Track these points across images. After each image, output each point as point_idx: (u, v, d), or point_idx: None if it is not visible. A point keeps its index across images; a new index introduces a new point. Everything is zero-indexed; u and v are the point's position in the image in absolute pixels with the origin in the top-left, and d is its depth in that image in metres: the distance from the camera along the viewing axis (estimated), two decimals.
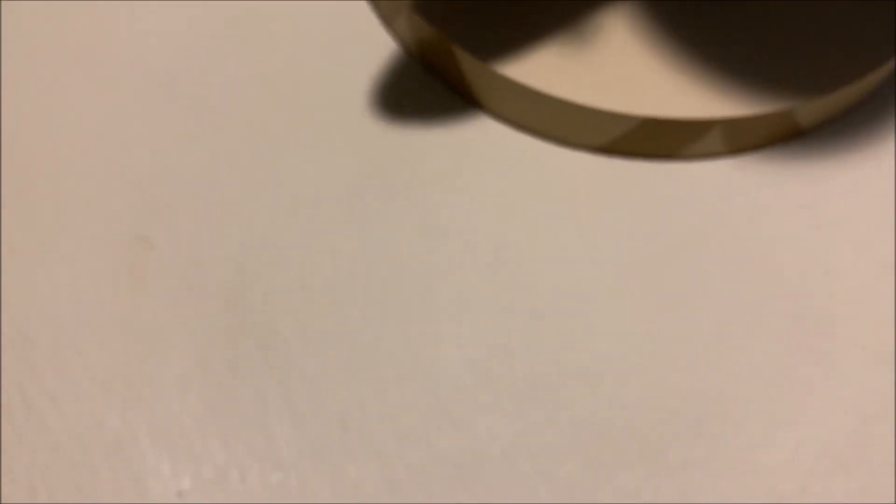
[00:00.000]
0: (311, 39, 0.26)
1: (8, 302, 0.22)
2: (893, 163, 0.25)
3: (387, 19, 0.26)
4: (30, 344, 0.21)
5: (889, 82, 0.25)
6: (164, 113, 0.25)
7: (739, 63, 0.23)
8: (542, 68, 0.23)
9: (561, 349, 0.22)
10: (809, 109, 0.24)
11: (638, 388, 0.22)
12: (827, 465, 0.21)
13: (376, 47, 0.26)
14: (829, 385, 0.22)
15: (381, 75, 0.25)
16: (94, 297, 0.22)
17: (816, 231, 0.24)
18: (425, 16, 0.24)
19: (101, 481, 0.20)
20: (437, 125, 0.25)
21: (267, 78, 0.25)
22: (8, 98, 0.25)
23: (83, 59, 0.25)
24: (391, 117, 0.25)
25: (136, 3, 0.26)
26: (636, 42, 0.24)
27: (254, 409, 0.21)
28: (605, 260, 0.23)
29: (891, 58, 0.24)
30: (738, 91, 0.23)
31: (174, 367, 0.21)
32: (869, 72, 0.24)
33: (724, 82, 0.23)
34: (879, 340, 0.22)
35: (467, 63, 0.24)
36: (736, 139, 0.24)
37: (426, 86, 0.25)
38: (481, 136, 0.25)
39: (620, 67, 0.23)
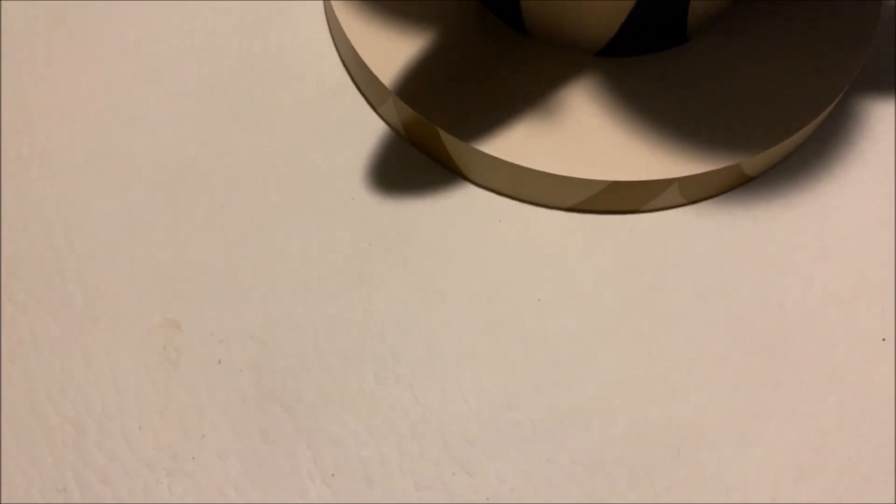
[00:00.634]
0: (307, 126, 0.28)
1: (54, 392, 0.24)
2: (832, 201, 0.28)
3: (375, 104, 0.29)
4: (79, 430, 0.24)
5: (822, 129, 0.29)
6: (180, 205, 0.27)
7: (692, 127, 0.26)
8: (516, 143, 0.26)
9: (554, 395, 0.25)
10: (755, 161, 0.27)
11: (623, 424, 0.24)
12: (792, 475, 0.24)
13: (367, 129, 0.29)
14: (788, 406, 0.25)
15: (373, 154, 0.28)
16: (133, 381, 0.25)
17: (769, 268, 0.27)
18: (409, 102, 0.27)
19: None
20: (426, 196, 0.28)
21: (270, 165, 0.28)
22: (37, 199, 0.27)
23: (103, 160, 0.28)
24: (385, 191, 0.28)
25: (145, 102, 0.29)
26: (597, 114, 0.27)
27: (288, 471, 0.23)
28: (584, 308, 0.26)
29: (822, 110, 0.27)
30: (692, 151, 0.26)
31: (212, 438, 0.24)
32: (804, 125, 0.27)
33: (680, 145, 0.26)
34: (830, 363, 0.26)
35: (449, 141, 0.27)
36: (692, 192, 0.27)
37: (414, 161, 0.28)
38: (467, 203, 0.28)
39: (585, 137, 0.26)
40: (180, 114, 0.29)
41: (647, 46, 0.27)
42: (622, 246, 0.27)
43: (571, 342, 0.26)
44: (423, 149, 0.28)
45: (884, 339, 0.26)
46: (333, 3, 0.28)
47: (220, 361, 0.25)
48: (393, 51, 0.28)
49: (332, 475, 0.23)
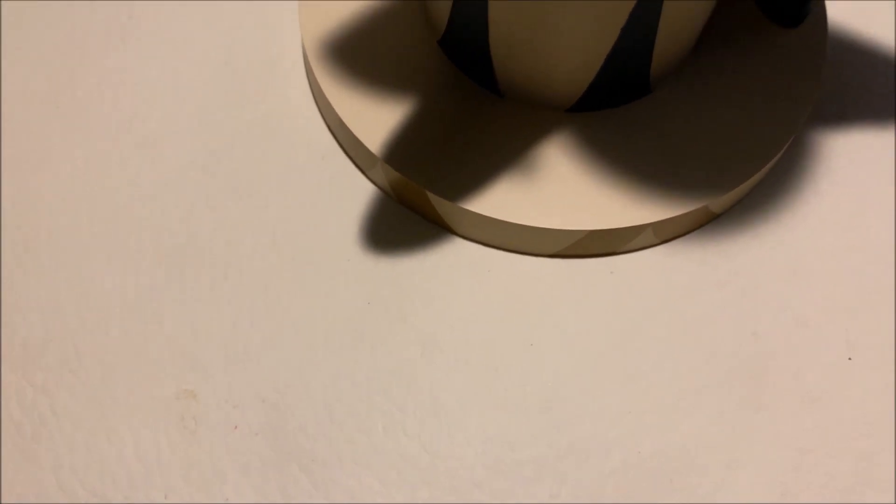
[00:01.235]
0: (301, 193, 0.30)
1: (80, 468, 0.26)
2: (794, 232, 0.30)
3: (363, 168, 0.30)
4: (106, 502, 0.25)
5: (779, 165, 0.31)
6: (186, 277, 0.28)
7: (660, 173, 0.28)
8: (499, 199, 0.28)
9: (552, 434, 0.26)
10: (720, 201, 0.29)
11: (619, 458, 0.26)
12: (776, 494, 0.26)
13: (358, 191, 0.30)
14: (768, 428, 0.27)
15: (365, 215, 0.30)
16: (155, 452, 0.26)
17: (741, 298, 0.29)
18: (396, 166, 0.28)
19: None
20: (418, 252, 0.29)
21: (268, 232, 0.29)
22: (46, 280, 0.28)
23: (108, 237, 0.29)
24: (379, 251, 0.29)
25: (144, 178, 0.30)
26: (572, 166, 0.29)
27: None
28: (574, 349, 0.28)
29: (779, 149, 0.29)
30: (663, 197, 0.28)
31: (236, 502, 0.25)
32: (763, 164, 0.29)
33: (651, 191, 0.28)
34: (803, 384, 0.28)
35: (437, 201, 0.28)
36: (664, 233, 0.29)
37: (404, 219, 0.30)
38: (457, 256, 0.29)
39: (563, 189, 0.28)
40: (178, 187, 0.30)
41: (615, 101, 0.29)
42: (604, 287, 0.29)
43: (564, 382, 0.27)
44: (412, 208, 0.30)
45: (850, 359, 0.28)
46: (317, 74, 0.30)
47: (236, 427, 0.26)
48: (377, 118, 0.29)
49: None
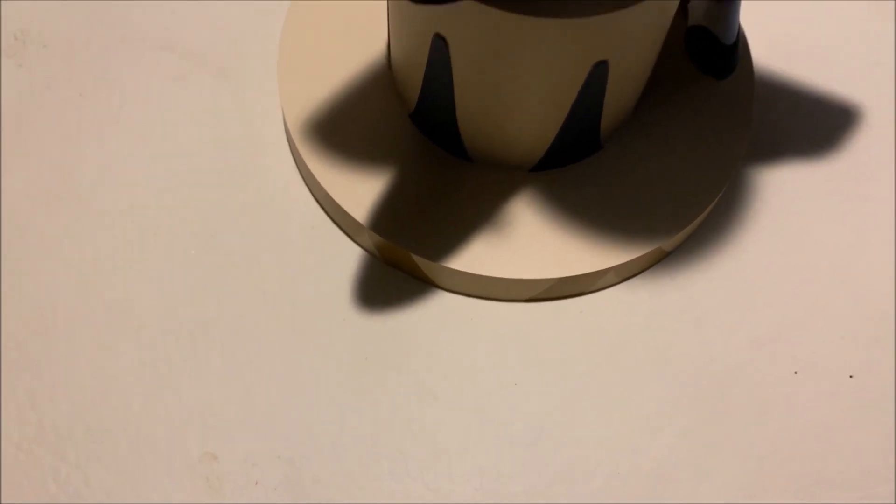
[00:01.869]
0: (295, 261, 0.33)
1: None
2: (739, 262, 0.34)
3: (350, 234, 0.33)
4: None
5: (721, 203, 0.35)
6: (198, 350, 0.31)
7: (617, 221, 0.32)
8: (476, 256, 0.31)
9: (541, 464, 0.30)
10: (671, 241, 0.32)
11: (601, 480, 0.30)
12: (742, 496, 0.30)
13: (347, 256, 0.33)
14: (729, 441, 0.30)
15: (356, 277, 0.33)
16: None
17: (697, 326, 0.33)
18: (380, 233, 0.32)
19: None
20: (407, 307, 0.32)
21: (269, 301, 0.32)
22: (68, 364, 0.31)
23: (120, 318, 0.32)
24: (371, 309, 0.32)
25: (149, 260, 0.33)
26: (539, 220, 0.32)
27: None
28: (553, 384, 0.31)
29: (720, 189, 0.33)
30: (621, 242, 0.32)
31: None
32: (707, 204, 0.33)
33: (610, 238, 0.32)
34: (758, 399, 0.31)
35: (420, 261, 0.32)
36: (624, 273, 0.33)
37: (392, 278, 0.33)
38: (442, 307, 0.33)
39: (532, 242, 0.32)
40: (181, 267, 0.33)
41: (571, 159, 0.33)
42: (575, 325, 0.32)
43: (547, 415, 0.31)
44: (398, 267, 0.33)
45: (796, 373, 0.32)
46: (302, 153, 0.33)
47: (256, 483, 0.29)
48: (360, 189, 0.32)
49: None
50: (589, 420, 0.31)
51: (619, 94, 0.30)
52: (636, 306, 0.33)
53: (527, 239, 0.32)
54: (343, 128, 0.34)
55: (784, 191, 0.35)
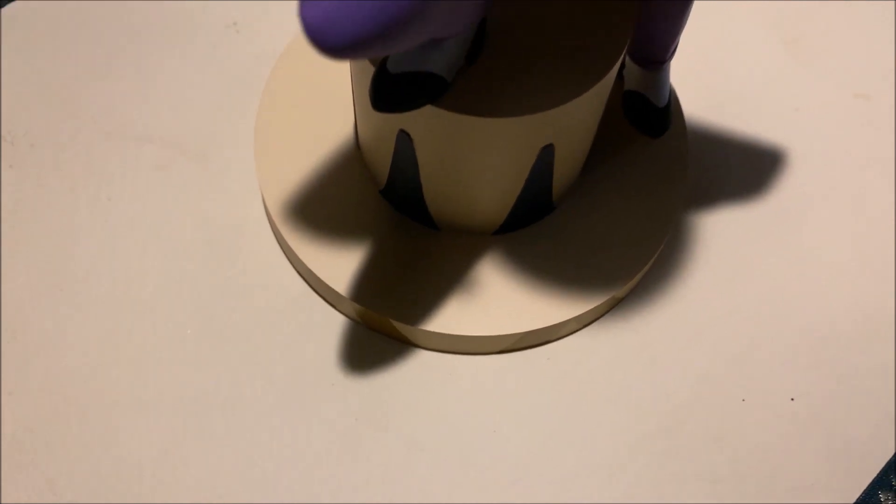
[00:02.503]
0: (283, 333, 0.36)
1: None
2: (685, 302, 0.37)
3: (333, 304, 0.36)
4: None
5: (665, 251, 0.38)
6: (201, 425, 0.34)
7: (574, 275, 0.35)
8: (450, 317, 0.34)
9: (523, 498, 0.33)
10: (623, 289, 0.36)
11: None
12: None
13: (331, 324, 0.36)
14: (686, 467, 0.34)
15: (341, 344, 0.36)
16: None
17: (652, 364, 0.36)
18: (361, 302, 0.35)
19: None
20: (390, 368, 0.36)
21: (262, 372, 0.35)
22: (85, 446, 0.33)
23: (127, 398, 0.34)
24: (357, 372, 0.35)
25: (148, 342, 0.35)
26: (504, 280, 0.35)
27: None
28: (527, 427, 0.34)
29: (663, 239, 0.37)
30: (579, 294, 0.35)
31: None
32: (653, 253, 0.36)
33: (569, 291, 0.35)
34: (710, 427, 0.35)
35: (400, 325, 0.35)
36: (583, 321, 0.36)
37: (375, 342, 0.36)
38: (422, 365, 0.36)
39: (499, 300, 0.35)
40: (177, 346, 0.35)
41: (529, 221, 0.36)
42: (544, 372, 0.36)
43: (525, 457, 0.34)
44: (379, 331, 0.36)
45: (743, 400, 0.35)
46: (282, 231, 0.36)
47: None
48: (339, 263, 0.35)
49: None
50: (562, 458, 0.34)
51: (567, 166, 0.34)
52: (597, 350, 0.36)
53: (494, 297, 0.35)
54: (319, 205, 0.37)
55: (722, 233, 0.39)
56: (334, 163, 0.37)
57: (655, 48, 0.34)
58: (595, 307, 0.35)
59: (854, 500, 0.34)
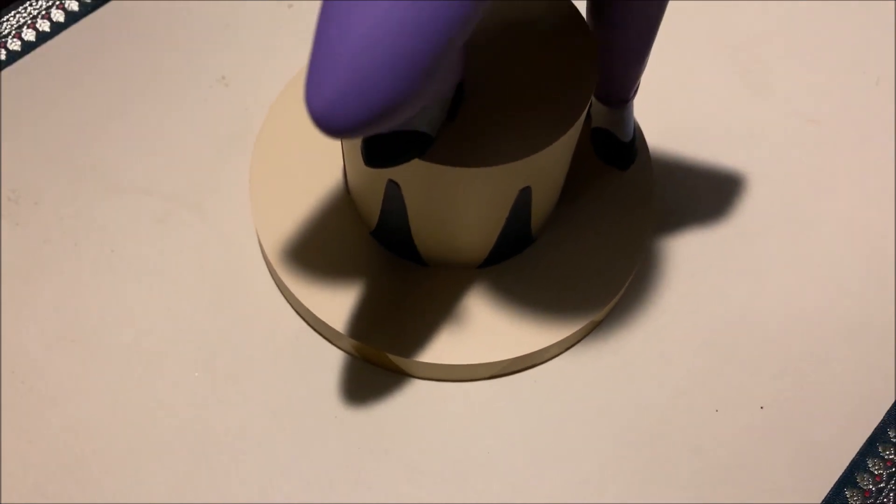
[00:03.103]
0: (285, 370, 0.38)
1: None
2: (657, 324, 0.40)
3: (331, 340, 0.39)
4: None
5: (636, 278, 0.41)
6: (211, 464, 0.36)
7: (555, 303, 0.38)
8: (441, 348, 0.37)
9: None
10: (602, 313, 0.39)
11: None
12: None
13: (331, 360, 0.38)
14: (667, 477, 0.37)
15: (342, 378, 0.38)
16: None
17: (630, 381, 0.39)
18: (358, 338, 0.37)
19: None
20: (386, 397, 0.38)
21: (268, 410, 0.37)
22: (100, 489, 0.35)
23: (140, 443, 0.36)
24: (358, 404, 0.38)
25: (157, 387, 0.37)
26: (490, 310, 0.38)
27: None
28: (519, 448, 0.37)
29: (635, 265, 0.39)
30: (561, 321, 0.38)
31: None
32: (626, 279, 0.39)
33: (552, 318, 0.38)
34: (687, 438, 0.37)
35: (394, 358, 0.37)
36: (566, 345, 0.39)
37: (371, 373, 0.38)
38: (417, 394, 0.38)
39: (487, 329, 0.37)
40: (186, 389, 0.37)
41: (511, 254, 0.39)
42: (531, 394, 0.38)
43: (518, 475, 0.36)
44: (376, 364, 0.38)
45: (717, 410, 0.38)
46: (280, 274, 0.38)
47: None
48: (335, 301, 0.38)
49: None
50: (553, 473, 0.36)
51: (543, 203, 0.37)
52: (580, 371, 0.39)
53: (482, 326, 0.38)
54: (314, 248, 0.39)
55: (690, 255, 0.42)
56: (326, 207, 0.40)
57: (619, 89, 0.37)
58: (576, 331, 0.38)
59: (821, 499, 0.37)
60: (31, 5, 0.47)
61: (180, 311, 0.39)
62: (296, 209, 0.40)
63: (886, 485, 0.37)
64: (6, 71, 0.45)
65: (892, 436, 0.38)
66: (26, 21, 0.46)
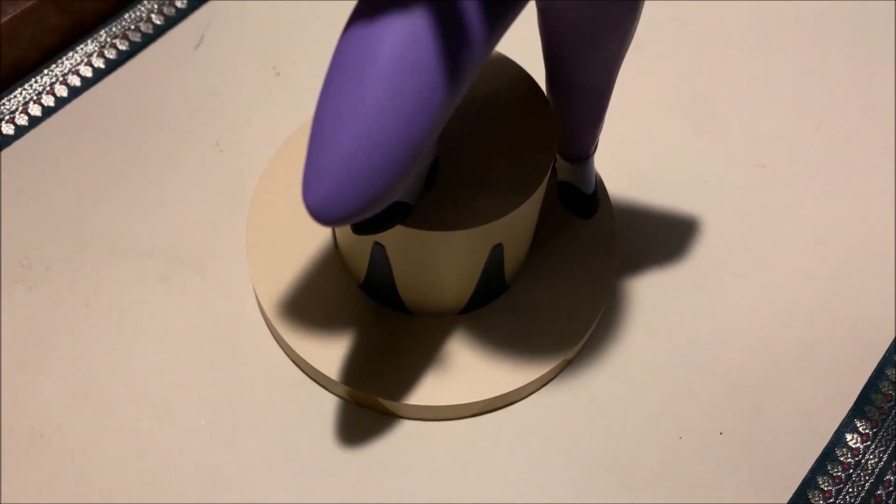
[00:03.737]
0: (283, 415, 0.41)
1: None
2: (622, 362, 0.44)
3: (325, 386, 0.42)
4: None
5: (604, 318, 0.45)
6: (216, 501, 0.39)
7: (532, 344, 0.42)
8: (428, 390, 0.40)
9: None
10: (573, 352, 0.42)
11: None
12: None
13: (324, 404, 0.42)
14: (635, 498, 0.40)
15: (336, 421, 0.42)
16: None
17: (600, 413, 0.42)
18: (351, 385, 0.40)
19: None
20: (379, 439, 0.41)
21: (270, 453, 0.40)
22: None
23: (154, 489, 0.39)
24: (352, 445, 0.41)
25: (166, 434, 0.41)
26: (471, 352, 0.41)
27: None
28: (503, 481, 0.40)
29: (601, 307, 0.43)
30: (538, 360, 0.41)
31: None
32: (594, 320, 0.43)
33: (529, 358, 0.41)
34: (654, 464, 0.41)
35: (385, 401, 0.40)
36: (541, 382, 0.42)
37: (364, 416, 0.42)
38: (408, 434, 0.41)
39: (469, 370, 0.41)
40: (193, 439, 0.41)
41: (488, 300, 0.42)
42: (512, 429, 0.42)
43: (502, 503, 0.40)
44: (368, 407, 0.42)
45: (680, 438, 0.42)
46: (277, 326, 0.42)
47: None
48: (328, 351, 0.41)
49: None
50: (534, 498, 0.40)
51: (515, 255, 0.40)
52: (555, 406, 0.42)
53: (464, 369, 0.41)
54: (308, 302, 0.43)
55: (651, 294, 0.46)
56: (318, 263, 0.44)
57: (578, 148, 0.41)
58: (550, 370, 0.42)
59: None
60: (35, 82, 0.50)
61: (186, 364, 0.43)
62: (289, 266, 0.43)
63: (835, 500, 0.41)
64: (14, 145, 0.48)
65: (839, 455, 0.42)
66: (31, 97, 0.50)
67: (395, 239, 0.36)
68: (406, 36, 0.22)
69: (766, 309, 0.46)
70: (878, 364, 0.44)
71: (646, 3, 0.42)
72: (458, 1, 0.23)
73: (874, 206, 0.49)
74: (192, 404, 0.42)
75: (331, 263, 0.43)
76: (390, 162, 0.24)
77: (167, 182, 0.48)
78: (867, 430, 0.42)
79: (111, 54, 0.52)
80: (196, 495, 0.39)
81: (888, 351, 0.45)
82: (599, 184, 0.46)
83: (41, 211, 0.46)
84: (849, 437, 0.42)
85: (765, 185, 0.50)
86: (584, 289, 0.44)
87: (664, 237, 0.48)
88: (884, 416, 0.43)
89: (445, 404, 0.40)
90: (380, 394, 0.40)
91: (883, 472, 0.41)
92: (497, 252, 0.38)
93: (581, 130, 0.40)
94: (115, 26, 0.53)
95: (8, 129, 0.49)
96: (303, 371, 0.43)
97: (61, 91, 0.50)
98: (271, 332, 0.44)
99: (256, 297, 0.43)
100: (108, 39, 0.52)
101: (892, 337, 0.45)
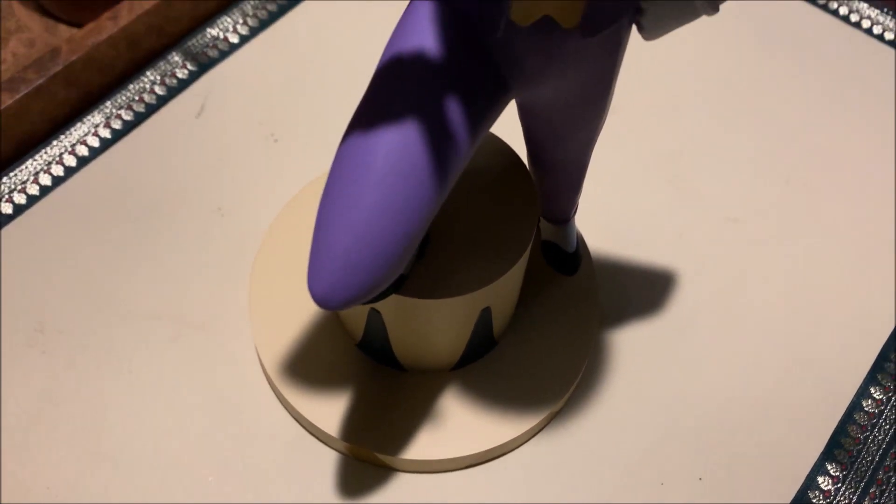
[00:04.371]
0: (285, 472, 0.44)
1: None
2: (609, 406, 0.46)
3: (325, 442, 0.44)
4: None
5: (588, 368, 0.47)
6: None
7: (521, 399, 0.44)
8: (424, 445, 0.43)
9: None
10: (560, 404, 0.45)
11: None
12: None
13: (324, 459, 0.44)
14: None
15: (335, 475, 0.44)
16: None
17: (586, 463, 0.45)
18: (349, 441, 0.43)
19: None
20: (378, 491, 0.43)
21: None
22: None
23: None
24: (351, 499, 0.43)
25: (178, 494, 0.43)
26: (463, 407, 0.44)
27: None
28: None
29: (586, 357, 0.46)
30: (528, 414, 0.44)
31: None
32: (579, 373, 0.45)
33: (519, 412, 0.44)
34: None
35: (383, 456, 0.43)
36: (531, 434, 0.45)
37: (363, 470, 0.44)
38: (406, 487, 0.44)
39: (462, 425, 0.43)
40: (203, 492, 0.43)
41: (478, 357, 0.45)
42: (504, 479, 0.44)
43: None
44: (366, 461, 0.44)
45: (662, 484, 0.44)
46: (278, 385, 0.44)
47: None
48: (328, 408, 0.44)
49: None
50: None
51: (502, 315, 0.43)
52: (543, 456, 0.45)
53: (457, 423, 0.44)
54: (307, 360, 0.45)
55: (631, 346, 0.49)
56: (317, 324, 0.46)
57: (559, 212, 0.44)
58: (538, 422, 0.44)
59: None
60: (45, 153, 0.53)
61: (193, 422, 0.45)
62: (290, 327, 0.46)
63: None
64: (26, 214, 0.51)
65: (811, 497, 0.45)
66: (42, 167, 0.53)
67: (390, 306, 0.39)
68: (399, 144, 0.25)
69: (739, 360, 0.48)
70: (847, 409, 0.47)
71: (623, 71, 0.45)
72: (445, 109, 0.26)
73: (843, 256, 0.52)
74: (199, 461, 0.44)
75: (330, 325, 0.46)
76: (387, 254, 0.26)
77: (173, 248, 0.50)
78: (837, 473, 0.45)
79: (117, 125, 0.54)
80: None
81: (855, 395, 0.47)
82: (581, 242, 0.49)
83: (55, 280, 0.49)
84: (820, 479, 0.45)
85: (736, 238, 0.53)
86: (568, 343, 0.46)
87: (644, 292, 0.51)
88: (853, 459, 0.45)
89: (440, 458, 0.43)
90: (377, 449, 0.43)
91: None
92: (486, 314, 0.41)
93: (561, 198, 0.43)
94: (120, 97, 0.55)
95: (20, 199, 0.51)
96: (304, 427, 0.45)
97: (70, 161, 0.53)
98: (273, 390, 0.46)
99: (258, 357, 0.46)
100: (114, 111, 0.55)
101: (859, 383, 0.48)
